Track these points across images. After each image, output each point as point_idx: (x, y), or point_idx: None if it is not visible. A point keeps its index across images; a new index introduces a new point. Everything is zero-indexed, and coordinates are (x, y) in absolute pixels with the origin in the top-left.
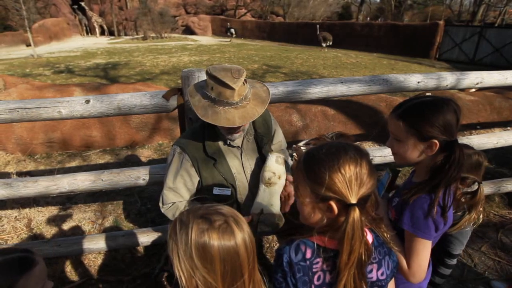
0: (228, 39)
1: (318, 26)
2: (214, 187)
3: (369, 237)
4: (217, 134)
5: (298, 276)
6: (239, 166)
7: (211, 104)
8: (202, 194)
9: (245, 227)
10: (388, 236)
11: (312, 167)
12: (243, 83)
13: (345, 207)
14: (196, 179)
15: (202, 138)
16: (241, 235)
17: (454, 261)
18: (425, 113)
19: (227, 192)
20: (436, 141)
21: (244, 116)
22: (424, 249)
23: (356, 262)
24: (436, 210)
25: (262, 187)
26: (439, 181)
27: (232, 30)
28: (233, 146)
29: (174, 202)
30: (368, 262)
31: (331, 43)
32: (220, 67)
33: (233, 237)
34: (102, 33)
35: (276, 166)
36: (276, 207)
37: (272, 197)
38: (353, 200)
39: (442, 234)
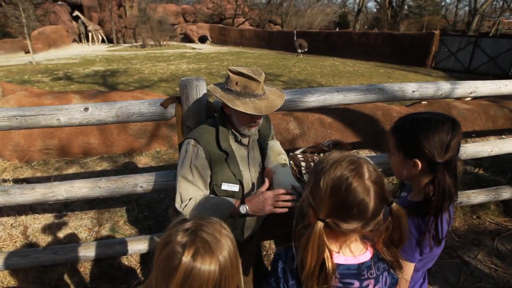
0: (201, 47)
1: (295, 32)
2: (223, 183)
3: (368, 253)
4: (228, 131)
5: (291, 283)
6: (245, 164)
7: (237, 97)
8: (210, 189)
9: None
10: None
11: None
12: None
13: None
14: (209, 172)
15: (215, 133)
16: (224, 264)
17: None
18: (413, 132)
19: (235, 188)
20: (418, 161)
21: (268, 106)
22: (406, 271)
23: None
24: (425, 236)
25: (278, 168)
26: (429, 208)
27: (209, 39)
28: (242, 144)
29: (192, 197)
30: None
31: (306, 49)
32: (240, 67)
33: (214, 263)
34: (101, 40)
35: (282, 149)
36: (296, 182)
37: (290, 174)
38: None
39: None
